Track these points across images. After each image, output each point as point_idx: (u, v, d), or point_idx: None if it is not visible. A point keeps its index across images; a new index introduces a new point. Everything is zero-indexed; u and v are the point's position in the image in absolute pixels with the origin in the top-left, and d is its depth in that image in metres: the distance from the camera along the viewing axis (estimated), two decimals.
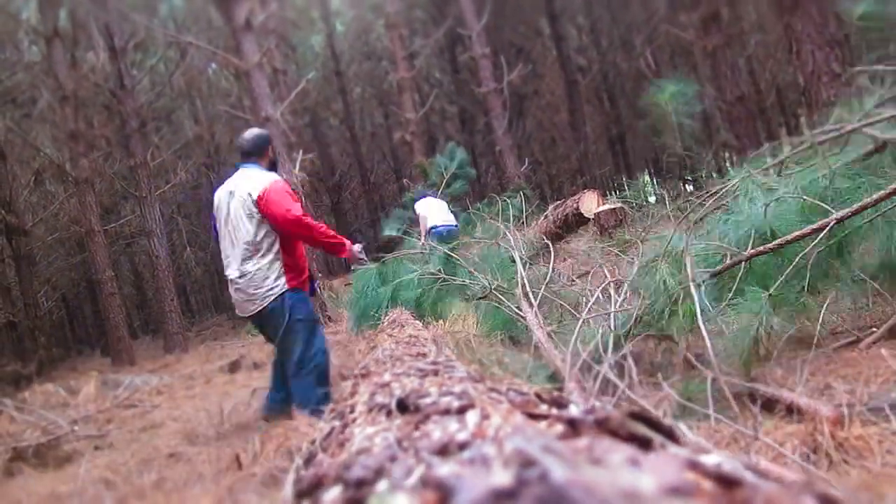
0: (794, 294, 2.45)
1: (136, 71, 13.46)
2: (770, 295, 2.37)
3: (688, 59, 16.83)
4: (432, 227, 7.34)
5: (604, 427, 0.45)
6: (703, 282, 2.43)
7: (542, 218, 6.51)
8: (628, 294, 3.00)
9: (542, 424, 0.51)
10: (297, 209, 2.99)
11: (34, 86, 13.60)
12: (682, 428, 1.66)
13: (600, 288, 3.19)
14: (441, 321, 3.67)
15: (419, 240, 7.31)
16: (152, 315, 18.56)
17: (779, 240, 2.50)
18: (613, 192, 21.53)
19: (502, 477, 0.34)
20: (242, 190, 3.02)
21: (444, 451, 0.46)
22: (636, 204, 6.13)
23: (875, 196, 2.27)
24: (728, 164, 10.50)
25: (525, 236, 4.81)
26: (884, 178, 2.42)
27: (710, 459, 0.36)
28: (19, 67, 13.88)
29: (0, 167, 11.97)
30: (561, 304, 3.45)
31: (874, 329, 2.57)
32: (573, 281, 4.11)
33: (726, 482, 0.33)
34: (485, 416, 0.55)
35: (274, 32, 13.76)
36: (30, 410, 4.90)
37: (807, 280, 2.41)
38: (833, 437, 1.60)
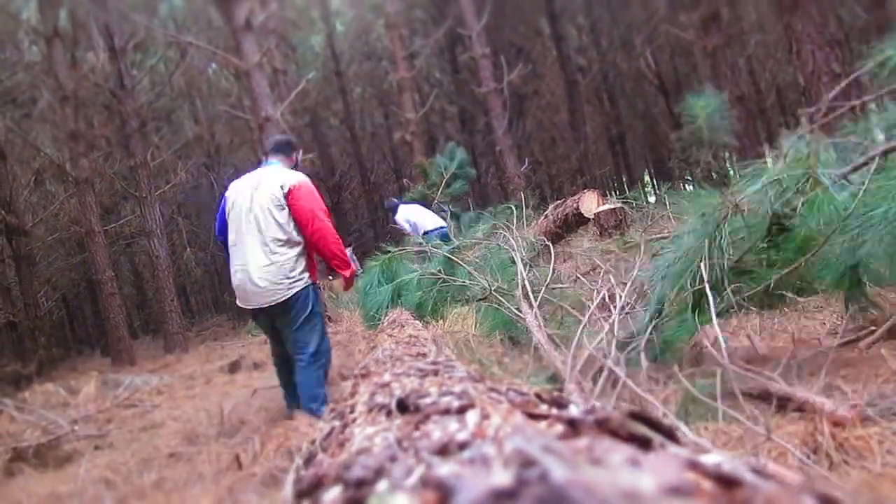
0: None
1: (136, 71, 13.46)
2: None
3: (688, 59, 16.85)
4: (426, 232, 7.29)
5: (604, 427, 0.45)
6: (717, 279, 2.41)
7: (542, 218, 6.50)
8: (631, 295, 3.00)
9: (542, 424, 0.51)
10: (323, 210, 3.10)
11: (34, 86, 13.61)
12: (683, 427, 1.66)
13: (606, 289, 3.19)
14: (441, 321, 3.68)
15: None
16: (152, 315, 18.56)
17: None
18: (613, 193, 21.55)
19: (502, 477, 0.34)
20: (273, 182, 3.05)
21: (444, 451, 0.46)
22: (636, 204, 6.13)
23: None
24: (728, 165, 10.50)
25: (525, 236, 4.81)
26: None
27: (710, 459, 0.36)
28: (19, 67, 13.89)
29: (0, 167, 11.98)
30: (561, 305, 3.45)
31: (874, 329, 2.57)
32: (574, 281, 4.12)
33: (726, 482, 0.33)
34: (485, 416, 0.55)
35: (274, 32, 13.75)
36: (30, 410, 4.91)
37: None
38: (833, 437, 1.60)
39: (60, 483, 3.16)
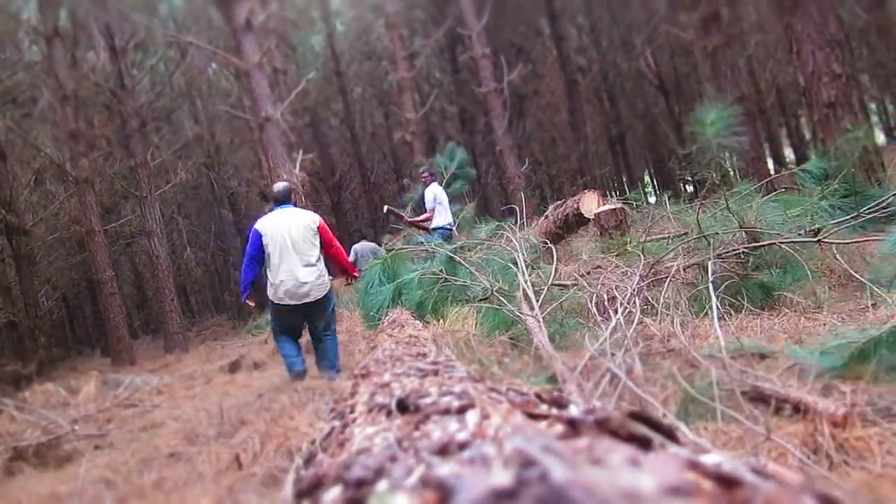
0: None
1: (136, 71, 13.46)
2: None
3: (688, 59, 16.84)
4: (437, 228, 7.20)
5: (604, 427, 0.45)
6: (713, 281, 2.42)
7: (543, 218, 6.49)
8: (633, 297, 3.00)
9: (542, 424, 0.51)
10: (335, 237, 4.58)
11: (34, 86, 13.61)
12: (683, 427, 1.66)
13: (606, 291, 3.19)
14: (442, 321, 3.67)
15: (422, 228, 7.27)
16: (152, 315, 18.57)
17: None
18: (613, 193, 21.55)
19: (502, 477, 0.34)
20: (305, 220, 4.37)
21: (444, 451, 0.46)
22: (636, 205, 6.12)
23: None
24: (728, 165, 10.48)
25: (526, 237, 4.81)
26: None
27: (710, 459, 0.36)
28: (20, 67, 13.89)
29: (0, 167, 11.98)
30: (562, 306, 3.45)
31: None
32: (575, 282, 4.11)
33: (726, 482, 0.33)
34: (485, 416, 0.55)
35: (274, 32, 13.76)
36: (30, 410, 4.91)
37: None
38: (833, 437, 1.60)
39: (60, 483, 3.16)
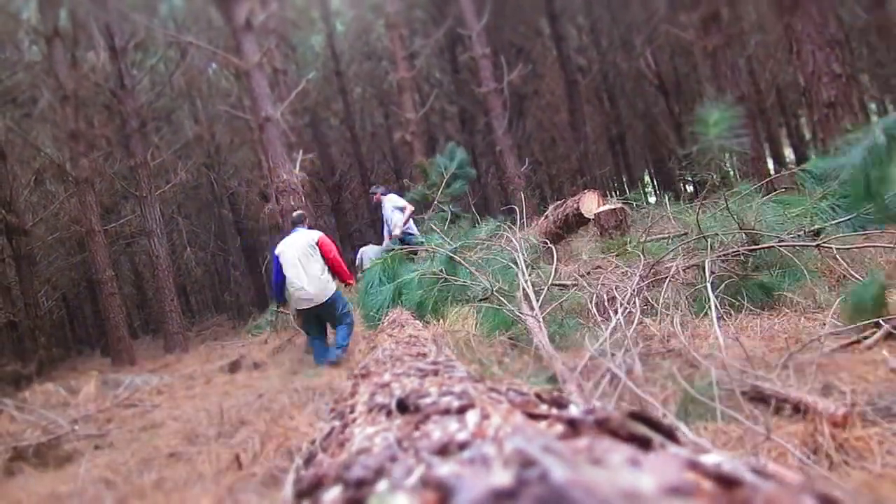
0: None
1: (136, 71, 13.45)
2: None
3: (688, 59, 16.84)
4: (408, 233, 7.69)
5: (604, 427, 0.45)
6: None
7: (543, 218, 6.49)
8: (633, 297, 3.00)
9: (542, 424, 0.51)
10: (336, 248, 5.53)
11: (34, 86, 13.60)
12: (683, 427, 1.66)
13: (605, 291, 3.19)
14: (442, 320, 3.68)
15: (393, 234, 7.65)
16: (152, 315, 18.55)
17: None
18: (613, 193, 21.55)
19: (502, 477, 0.34)
20: (307, 238, 5.42)
21: (444, 451, 0.46)
22: (636, 205, 6.13)
23: None
24: (728, 166, 10.48)
25: (526, 236, 4.81)
26: None
27: (710, 459, 0.36)
28: (19, 67, 13.88)
29: (0, 167, 11.97)
30: (562, 306, 3.45)
31: (874, 330, 2.57)
32: (575, 283, 4.11)
33: (726, 482, 0.33)
34: (485, 416, 0.55)
35: (274, 32, 13.74)
36: (30, 410, 4.91)
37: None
38: (833, 437, 1.60)
39: (60, 483, 3.16)
